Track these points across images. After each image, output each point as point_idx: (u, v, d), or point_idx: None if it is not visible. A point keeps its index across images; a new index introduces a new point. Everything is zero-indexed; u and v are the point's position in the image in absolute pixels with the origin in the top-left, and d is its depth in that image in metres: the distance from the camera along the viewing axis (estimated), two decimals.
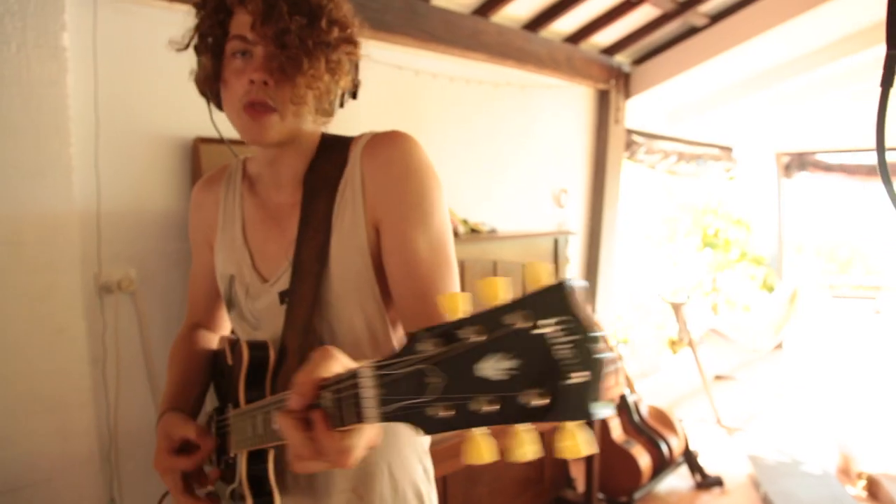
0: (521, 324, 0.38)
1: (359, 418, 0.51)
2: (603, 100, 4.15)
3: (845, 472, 3.47)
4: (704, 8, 3.59)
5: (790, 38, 3.72)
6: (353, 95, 1.01)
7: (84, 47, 1.90)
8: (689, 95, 4.52)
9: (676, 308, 4.29)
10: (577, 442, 0.37)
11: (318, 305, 0.95)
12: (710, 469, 3.51)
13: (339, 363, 0.61)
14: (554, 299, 0.37)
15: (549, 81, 3.70)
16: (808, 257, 6.66)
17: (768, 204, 5.97)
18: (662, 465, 3.33)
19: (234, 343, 1.05)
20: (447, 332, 0.42)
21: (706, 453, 3.77)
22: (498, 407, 0.39)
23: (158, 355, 2.11)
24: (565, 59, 3.64)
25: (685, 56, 3.94)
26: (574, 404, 0.36)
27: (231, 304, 1.06)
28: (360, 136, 1.00)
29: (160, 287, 2.11)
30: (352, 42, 0.92)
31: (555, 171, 3.90)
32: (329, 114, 0.97)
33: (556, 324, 0.37)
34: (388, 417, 0.47)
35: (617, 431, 3.26)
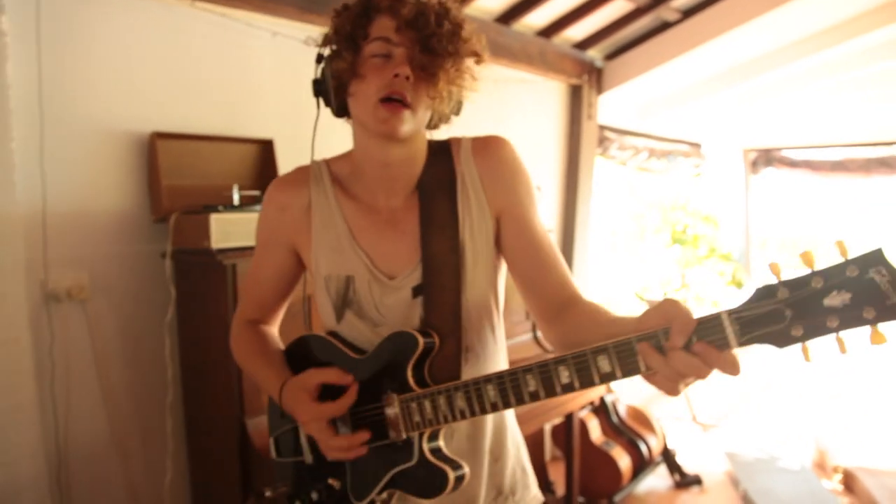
0: (851, 273, 0.66)
1: (721, 347, 0.74)
2: (576, 95, 4.09)
3: (821, 467, 3.48)
4: (677, 3, 3.56)
5: (760, 35, 3.71)
6: (457, 111, 1.12)
7: (26, 31, 1.74)
8: (660, 91, 4.49)
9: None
10: (883, 335, 0.65)
11: (460, 293, 1.06)
12: (688, 468, 3.48)
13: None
14: (876, 258, 0.65)
15: (522, 76, 3.62)
16: (771, 251, 6.75)
17: (736, 200, 6.01)
18: (642, 465, 3.28)
19: (338, 336, 1.12)
20: (792, 283, 0.69)
21: (683, 452, 3.74)
22: (839, 321, 0.67)
23: (112, 369, 1.96)
24: (538, 53, 3.57)
25: (657, 51, 3.90)
26: None
27: (346, 304, 1.10)
28: (457, 140, 1.13)
29: (114, 295, 1.96)
30: (480, 55, 1.04)
31: (529, 168, 3.82)
32: (449, 120, 1.12)
33: (877, 271, 0.65)
34: (744, 343, 0.73)
35: (596, 433, 3.20)
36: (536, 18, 3.38)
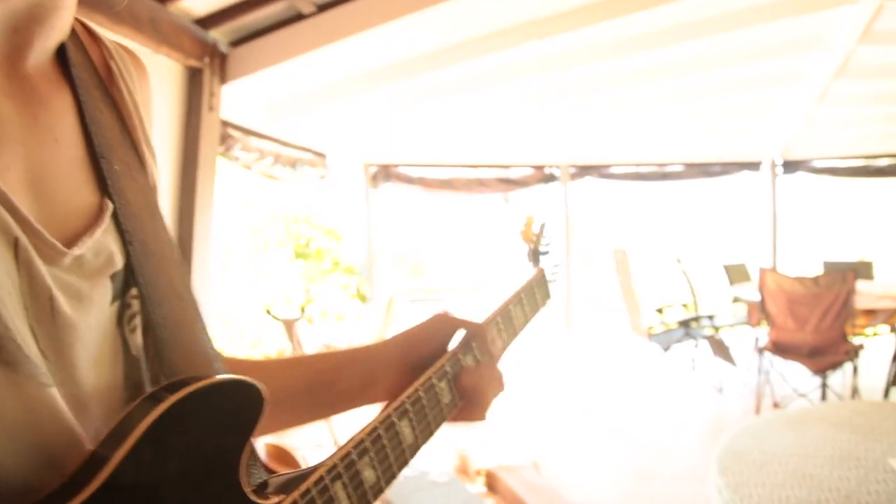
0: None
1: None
2: (195, 80, 3.46)
3: (464, 472, 3.53)
4: None
5: (391, 42, 3.67)
6: None
7: None
8: (289, 89, 4.16)
9: (288, 325, 3.85)
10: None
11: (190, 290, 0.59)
12: None
13: None
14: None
15: (125, 44, 2.83)
16: (386, 265, 7.05)
17: (358, 213, 6.04)
18: None
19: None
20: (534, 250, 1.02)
21: None
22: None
23: None
24: (149, 19, 2.87)
25: (288, 43, 3.55)
26: None
27: None
28: (90, 29, 0.63)
29: None
30: None
31: None
32: None
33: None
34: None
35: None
36: None
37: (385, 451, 0.61)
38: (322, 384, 0.72)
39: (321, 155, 5.23)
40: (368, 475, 0.58)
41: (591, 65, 3.97)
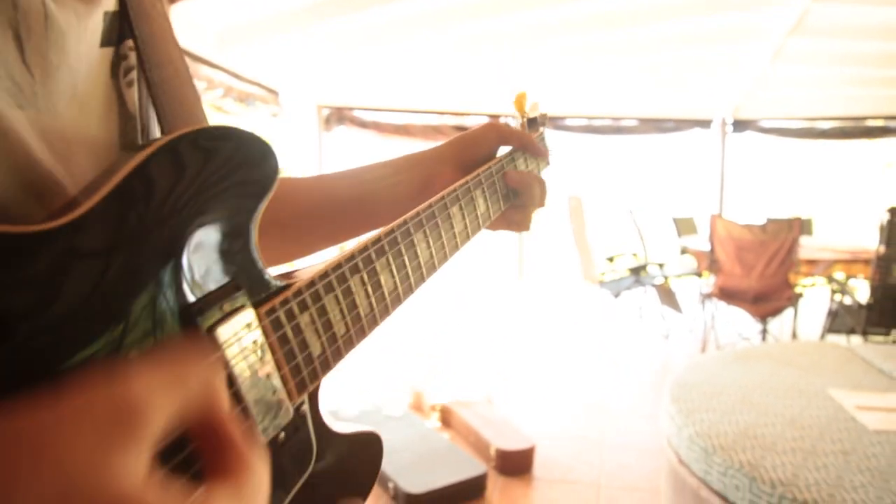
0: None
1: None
2: None
3: (419, 408, 3.53)
4: None
5: None
6: None
7: None
8: (240, 16, 3.95)
9: None
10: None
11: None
12: None
13: None
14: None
15: None
16: None
17: (309, 156, 5.88)
18: None
19: None
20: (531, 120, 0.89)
21: None
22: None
23: None
24: None
25: None
26: None
27: None
28: None
29: None
30: None
31: None
32: None
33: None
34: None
35: None
36: None
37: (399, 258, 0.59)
38: (379, 192, 0.71)
39: (273, 92, 5.04)
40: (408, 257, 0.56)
41: (545, 8, 3.91)
